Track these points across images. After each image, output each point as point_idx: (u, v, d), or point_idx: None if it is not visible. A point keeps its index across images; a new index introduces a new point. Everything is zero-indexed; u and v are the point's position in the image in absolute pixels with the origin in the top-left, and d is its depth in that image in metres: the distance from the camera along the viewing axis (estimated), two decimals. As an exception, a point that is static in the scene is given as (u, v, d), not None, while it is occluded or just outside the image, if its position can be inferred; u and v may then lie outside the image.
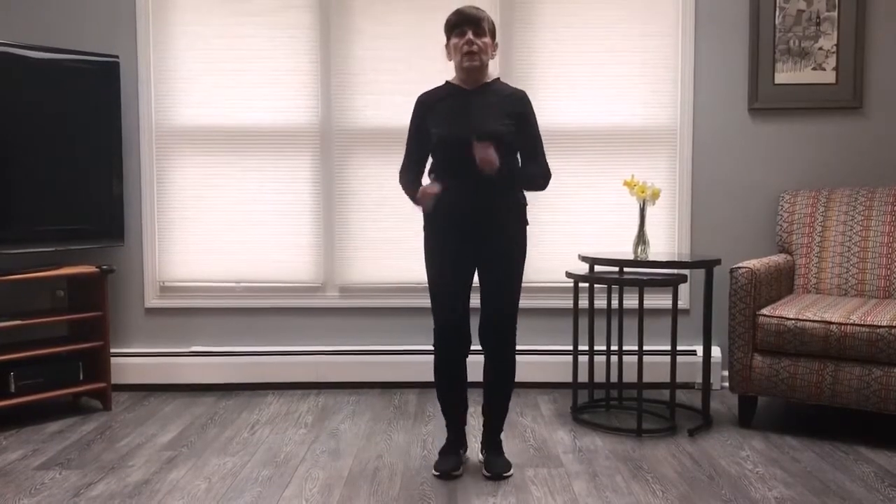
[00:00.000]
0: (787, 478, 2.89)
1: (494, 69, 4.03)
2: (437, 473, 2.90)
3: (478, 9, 2.86)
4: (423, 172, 2.99)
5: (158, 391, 4.05)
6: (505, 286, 2.86)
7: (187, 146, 4.08)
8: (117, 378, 3.96)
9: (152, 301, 4.12)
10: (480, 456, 3.03)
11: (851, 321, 3.18)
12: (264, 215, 4.11)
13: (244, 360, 4.07)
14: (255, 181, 4.09)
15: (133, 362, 4.04)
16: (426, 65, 4.03)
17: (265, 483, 2.85)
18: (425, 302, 4.00)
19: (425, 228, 2.92)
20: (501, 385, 2.96)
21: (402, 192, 2.98)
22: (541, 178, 2.93)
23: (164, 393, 4.02)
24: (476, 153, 2.69)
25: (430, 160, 2.94)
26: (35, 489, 2.80)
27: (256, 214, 4.10)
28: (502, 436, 3.01)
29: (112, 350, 3.87)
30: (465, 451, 3.06)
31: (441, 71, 3.99)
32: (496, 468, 2.90)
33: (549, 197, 4.09)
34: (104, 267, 3.73)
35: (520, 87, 4.02)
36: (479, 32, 2.81)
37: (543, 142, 2.94)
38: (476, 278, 2.91)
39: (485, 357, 2.94)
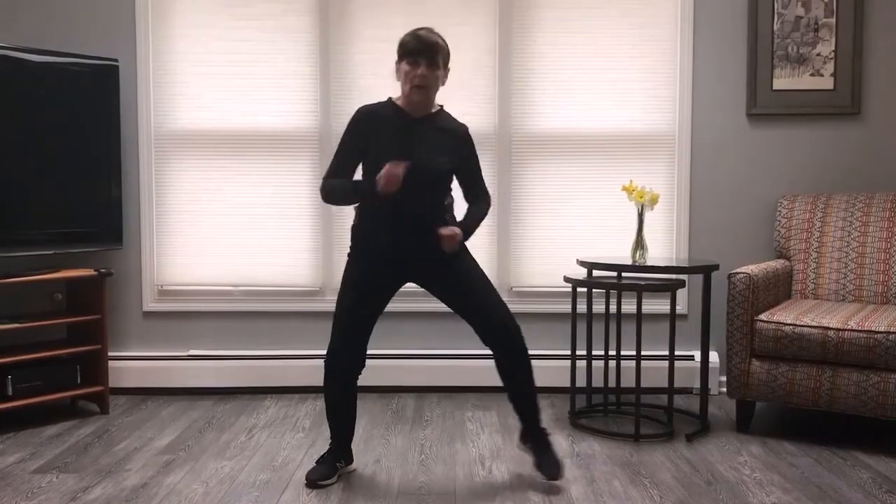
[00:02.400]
0: (785, 483, 2.89)
1: (488, 79, 4.05)
2: (305, 482, 2.85)
3: (436, 36, 2.78)
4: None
5: (156, 395, 4.04)
6: (488, 290, 2.85)
7: (186, 150, 4.09)
8: (115, 381, 3.95)
9: (150, 305, 4.11)
10: (520, 444, 2.98)
11: (849, 327, 3.18)
12: (263, 219, 4.11)
13: (242, 363, 4.06)
14: (254, 185, 4.10)
15: (131, 366, 4.04)
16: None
17: (262, 487, 2.85)
18: (424, 306, 4.03)
19: (350, 253, 2.88)
20: (527, 380, 2.90)
21: (330, 199, 2.85)
22: (486, 212, 2.99)
23: (161, 396, 4.02)
24: (443, 240, 2.73)
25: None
26: (32, 493, 2.79)
27: (255, 218, 4.10)
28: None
29: (110, 353, 3.87)
30: (349, 463, 2.99)
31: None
32: (551, 469, 2.84)
33: (548, 202, 4.10)
34: (102, 270, 3.73)
35: (518, 93, 4.06)
36: (432, 64, 2.75)
37: (479, 168, 2.98)
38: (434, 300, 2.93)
39: (501, 357, 2.88)
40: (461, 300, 2.86)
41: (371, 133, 2.81)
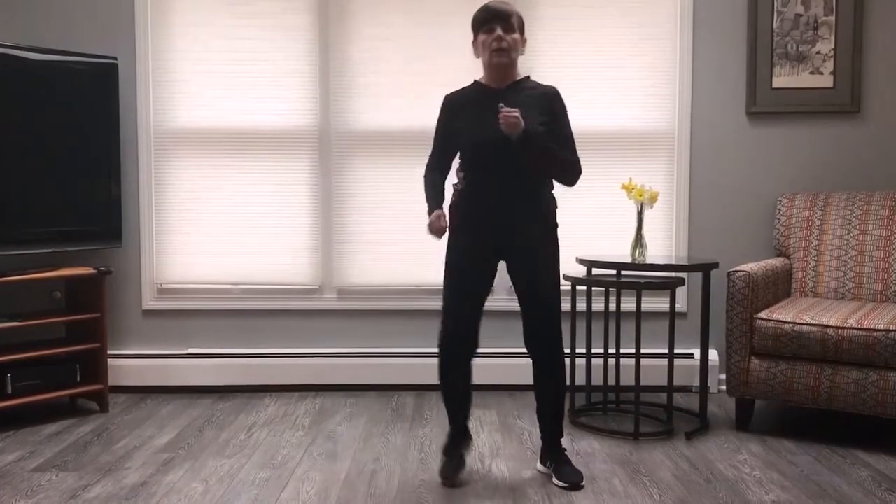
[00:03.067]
0: (784, 481, 2.89)
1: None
2: (443, 481, 2.86)
3: (505, 3, 2.78)
4: (448, 170, 2.95)
5: (156, 393, 4.04)
6: (543, 292, 2.81)
7: (185, 148, 4.08)
8: (114, 380, 3.95)
9: (150, 303, 4.11)
10: (541, 467, 2.97)
11: (848, 325, 3.19)
12: (262, 217, 4.11)
13: (242, 362, 4.06)
14: (254, 183, 4.09)
15: (130, 364, 4.04)
16: (425, 68, 4.04)
17: (262, 485, 2.85)
18: (423, 304, 4.03)
19: (450, 234, 2.87)
20: (554, 391, 2.89)
21: (424, 193, 2.91)
22: (572, 166, 2.84)
23: (161, 395, 4.02)
24: (501, 117, 2.63)
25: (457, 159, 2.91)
26: (32, 491, 2.79)
27: (254, 217, 4.10)
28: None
29: (109, 352, 3.87)
30: (469, 445, 3.01)
31: (441, 71, 4.01)
32: (569, 477, 2.82)
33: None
34: (102, 269, 3.73)
35: (518, 90, 4.05)
36: (508, 28, 2.74)
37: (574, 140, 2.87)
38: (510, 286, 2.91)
39: (534, 363, 2.88)
40: (520, 294, 2.85)
41: (455, 116, 2.83)
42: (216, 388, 4.07)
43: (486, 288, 2.87)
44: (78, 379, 3.72)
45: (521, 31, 2.81)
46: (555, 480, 2.85)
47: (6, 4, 3.98)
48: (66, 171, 3.70)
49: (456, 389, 2.94)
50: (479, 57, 2.83)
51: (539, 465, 2.99)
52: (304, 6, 4.04)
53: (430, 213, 2.84)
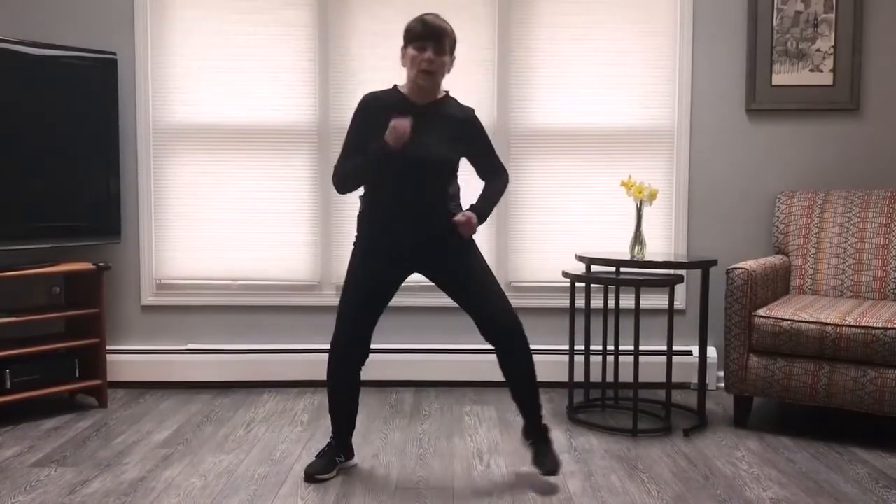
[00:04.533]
0: (782, 478, 2.90)
1: (487, 73, 4.04)
2: (304, 476, 2.85)
3: (443, 21, 2.76)
4: None
5: (154, 388, 4.04)
6: (491, 285, 2.83)
7: (185, 143, 4.08)
8: (113, 375, 3.96)
9: (149, 298, 4.11)
10: (524, 440, 2.94)
11: (847, 322, 3.19)
12: (261, 213, 4.11)
13: (240, 357, 4.06)
14: (253, 179, 4.09)
15: (129, 359, 4.04)
16: (424, 64, 4.03)
17: (261, 481, 2.85)
18: (422, 301, 4.03)
19: (356, 244, 2.87)
20: (529, 370, 2.88)
21: (344, 184, 2.82)
22: (504, 185, 2.97)
23: (159, 390, 4.02)
24: (459, 229, 2.74)
25: None
26: (30, 486, 2.79)
27: (253, 212, 4.10)
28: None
29: (108, 347, 3.87)
30: (349, 458, 2.99)
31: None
32: (548, 466, 2.81)
33: (546, 197, 4.10)
34: (101, 264, 3.73)
35: (517, 87, 4.06)
36: (439, 50, 2.72)
37: (496, 149, 2.96)
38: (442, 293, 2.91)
39: (503, 353, 2.85)
40: (464, 294, 2.84)
41: (375, 122, 2.76)
42: (215, 383, 4.07)
43: (386, 304, 2.86)
44: (77, 374, 3.72)
45: (452, 51, 2.79)
46: (532, 464, 2.86)
47: (6, 0, 3.99)
48: (65, 167, 3.70)
49: (343, 397, 2.92)
50: (404, 66, 2.79)
51: (523, 439, 2.97)
52: (304, 1, 4.03)
53: (369, 155, 2.72)
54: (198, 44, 4.04)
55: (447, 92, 2.89)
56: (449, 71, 2.81)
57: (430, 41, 2.72)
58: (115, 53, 3.86)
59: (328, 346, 4.04)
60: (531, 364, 2.88)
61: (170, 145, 4.08)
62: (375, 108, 2.80)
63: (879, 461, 3.07)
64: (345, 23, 4.05)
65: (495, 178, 2.96)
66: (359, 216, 2.89)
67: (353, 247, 2.90)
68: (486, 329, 2.84)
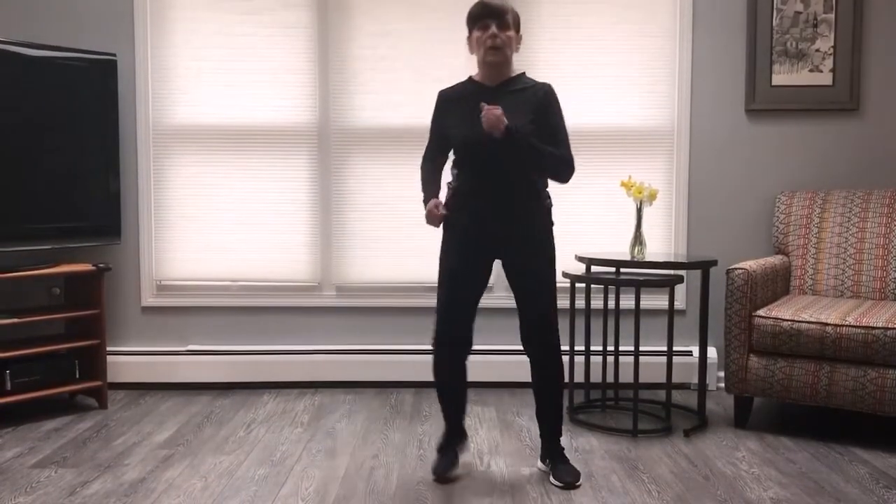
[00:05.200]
0: (783, 478, 2.90)
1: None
2: (434, 477, 2.87)
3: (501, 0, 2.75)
4: (443, 164, 2.95)
5: (154, 390, 4.04)
6: (539, 291, 2.79)
7: (185, 145, 4.08)
8: (113, 376, 3.96)
9: (149, 299, 4.11)
10: (541, 465, 2.95)
11: (847, 322, 3.19)
12: (261, 214, 4.11)
13: (240, 358, 4.06)
14: (253, 180, 4.09)
15: (129, 360, 4.04)
16: (424, 64, 4.04)
17: (261, 482, 2.85)
18: (422, 301, 4.03)
19: (444, 228, 2.86)
20: (550, 389, 2.87)
21: (420, 183, 2.91)
22: (561, 160, 2.78)
23: (160, 391, 4.02)
24: (483, 115, 2.62)
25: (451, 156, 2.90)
26: (31, 487, 2.79)
27: (254, 213, 4.10)
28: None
29: (108, 348, 3.87)
30: (464, 442, 3.01)
31: (440, 67, 4.00)
32: (565, 476, 2.80)
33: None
34: (101, 265, 3.73)
35: (517, 87, 4.05)
36: (502, 25, 2.71)
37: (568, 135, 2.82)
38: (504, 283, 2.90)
39: (531, 363, 2.86)
40: (516, 293, 2.83)
41: (448, 113, 2.81)
42: (215, 384, 4.07)
43: (480, 288, 2.85)
44: (77, 375, 3.72)
45: (517, 28, 2.78)
46: (551, 479, 2.84)
47: (6, 1, 3.98)
48: (65, 168, 3.70)
49: (450, 389, 2.94)
50: (473, 53, 2.80)
51: (539, 463, 2.99)
52: (304, 2, 4.03)
53: (425, 202, 2.85)
54: (198, 45, 4.04)
55: (523, 72, 2.86)
56: (517, 49, 2.80)
57: (491, 18, 2.71)
58: (114, 54, 3.86)
59: (330, 347, 4.09)
60: (554, 380, 2.86)
61: (170, 146, 4.08)
62: (448, 101, 2.83)
63: (880, 461, 3.07)
64: (344, 24, 4.05)
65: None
66: (445, 204, 2.83)
67: (441, 238, 2.87)
68: (524, 340, 2.85)
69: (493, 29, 2.70)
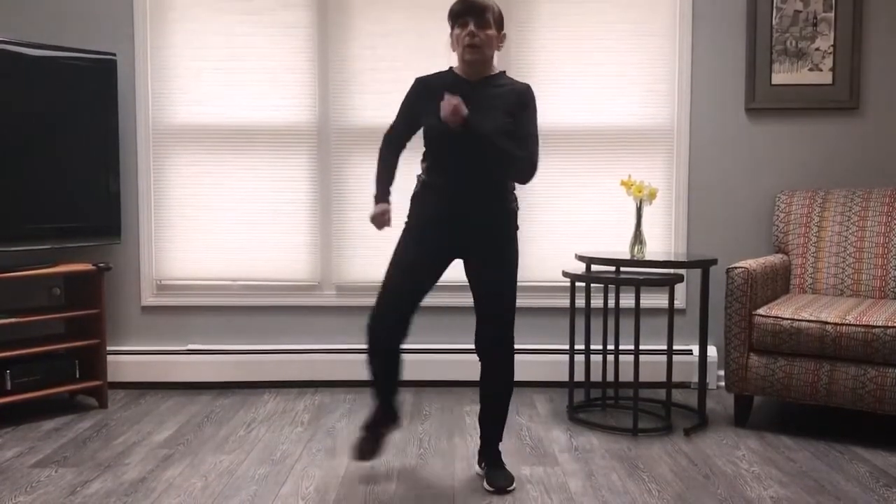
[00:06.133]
0: (783, 477, 2.90)
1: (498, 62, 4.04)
2: (357, 456, 2.86)
3: None
4: (403, 149, 2.88)
5: (155, 389, 4.04)
6: (496, 295, 2.77)
7: (184, 144, 4.08)
8: (113, 376, 3.96)
9: (149, 299, 4.11)
10: (478, 469, 2.92)
11: (847, 321, 3.19)
12: (261, 214, 4.11)
13: (241, 358, 4.06)
14: (253, 179, 4.09)
15: (129, 360, 4.04)
16: (424, 63, 4.02)
17: (261, 481, 2.85)
18: (422, 301, 4.02)
19: (406, 221, 2.83)
20: (500, 394, 2.84)
21: (376, 171, 2.87)
22: (522, 160, 2.69)
23: (160, 391, 4.02)
24: (442, 106, 2.58)
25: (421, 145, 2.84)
26: (31, 487, 2.79)
27: (254, 213, 4.10)
28: (501, 446, 2.89)
29: (108, 348, 3.87)
30: (394, 425, 2.94)
31: (439, 67, 3.99)
32: (498, 482, 2.77)
33: (547, 196, 4.10)
34: (101, 265, 3.73)
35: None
36: (482, 24, 2.69)
37: (539, 139, 2.76)
38: (451, 281, 2.86)
39: (482, 366, 2.83)
40: (474, 294, 2.80)
41: (425, 101, 2.75)
42: (215, 384, 4.08)
43: (430, 285, 2.80)
44: (77, 375, 3.72)
45: (499, 27, 2.76)
46: (485, 484, 2.80)
47: (6, 1, 3.98)
48: (65, 168, 3.70)
49: (382, 369, 2.86)
50: (454, 51, 2.78)
51: (476, 467, 2.94)
52: (304, 2, 4.03)
53: (376, 198, 2.82)
54: (197, 44, 4.04)
55: (503, 71, 2.84)
56: (499, 47, 2.78)
57: (470, 16, 2.69)
58: (114, 54, 3.86)
59: (330, 346, 4.09)
60: (503, 390, 2.83)
61: (170, 146, 4.08)
62: (426, 88, 2.79)
63: (880, 460, 3.07)
64: (344, 23, 4.05)
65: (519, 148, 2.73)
66: (412, 196, 2.83)
67: (403, 226, 2.83)
68: (478, 341, 2.81)
69: (472, 27, 2.68)
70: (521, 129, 2.71)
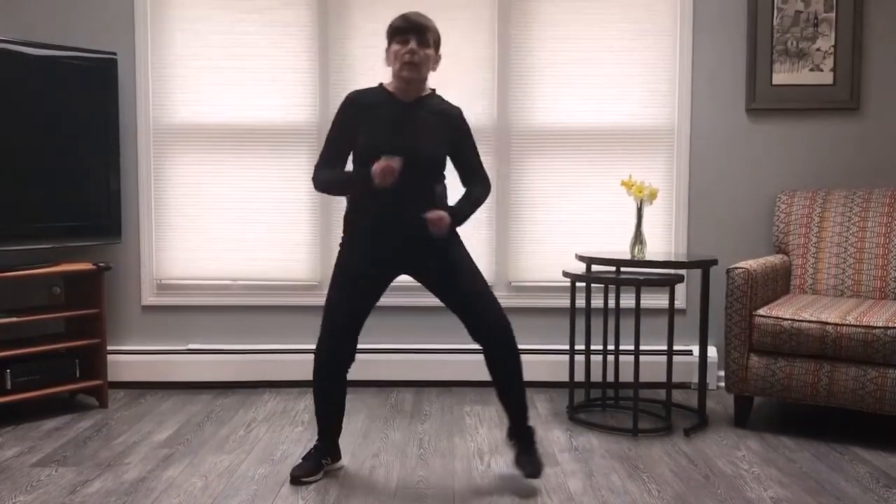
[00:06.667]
0: (783, 478, 2.90)
1: (487, 73, 4.04)
2: (290, 478, 2.83)
3: (424, 17, 2.75)
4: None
5: (155, 389, 4.05)
6: (479, 285, 2.80)
7: (185, 144, 4.08)
8: (114, 375, 3.96)
9: (149, 299, 4.11)
10: (508, 441, 2.91)
11: (847, 322, 3.19)
12: (262, 213, 4.11)
13: (241, 357, 4.07)
14: (253, 179, 4.09)
15: (129, 360, 4.04)
16: (424, 64, 4.03)
17: (261, 481, 2.85)
18: (423, 301, 4.03)
19: (342, 244, 2.84)
20: (513, 371, 2.83)
21: (324, 189, 2.82)
22: (484, 196, 2.91)
23: (160, 390, 4.02)
24: (430, 222, 2.67)
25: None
26: (31, 486, 2.79)
27: (254, 212, 4.10)
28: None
29: (109, 347, 3.87)
30: (336, 460, 2.97)
31: (441, 67, 3.99)
32: (525, 467, 2.77)
33: (547, 196, 4.10)
34: (101, 264, 3.73)
35: (517, 87, 4.06)
36: (422, 42, 2.71)
37: (484, 154, 2.90)
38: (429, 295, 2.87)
39: (491, 353, 2.81)
40: (452, 294, 2.81)
41: (360, 119, 2.76)
42: (215, 383, 4.08)
43: (373, 303, 2.83)
44: (77, 374, 3.72)
45: (437, 48, 2.78)
46: (513, 464, 2.83)
47: (6, 1, 3.98)
48: (65, 167, 3.70)
49: (329, 402, 2.87)
50: (389, 66, 2.78)
51: (507, 439, 2.94)
52: (304, 1, 4.03)
53: (354, 179, 2.76)
54: (198, 44, 4.04)
55: (433, 90, 2.87)
56: (434, 68, 2.79)
57: (412, 34, 2.71)
58: (115, 54, 3.86)
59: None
60: (519, 364, 2.84)
61: (170, 145, 4.08)
62: (360, 105, 2.78)
63: (880, 460, 3.07)
64: (344, 23, 4.05)
65: (476, 185, 2.91)
66: (345, 216, 2.86)
67: (339, 248, 2.87)
68: (474, 328, 2.80)
69: (413, 44, 2.70)
70: (469, 159, 2.89)
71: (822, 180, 4.06)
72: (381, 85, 2.84)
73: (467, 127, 2.88)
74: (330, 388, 2.86)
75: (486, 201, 2.93)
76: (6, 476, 2.89)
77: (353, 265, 2.81)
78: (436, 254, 2.81)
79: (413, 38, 2.71)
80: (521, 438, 2.88)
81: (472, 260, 2.87)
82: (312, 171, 2.85)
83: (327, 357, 2.82)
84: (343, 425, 2.95)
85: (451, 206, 2.85)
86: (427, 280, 2.86)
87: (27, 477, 2.88)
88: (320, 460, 2.90)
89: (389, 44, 2.76)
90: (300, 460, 2.93)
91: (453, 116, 2.84)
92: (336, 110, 2.66)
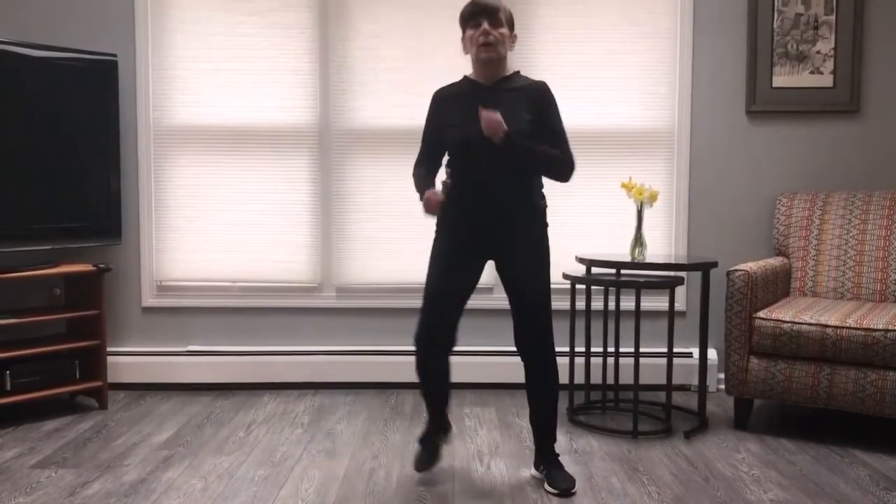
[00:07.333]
0: (783, 480, 2.90)
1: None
2: (416, 468, 2.92)
3: None
4: (438, 167, 2.91)
5: (155, 390, 4.04)
6: (533, 294, 2.76)
7: (185, 145, 4.08)
8: (114, 377, 3.96)
9: (149, 300, 4.11)
10: (535, 472, 2.92)
11: (847, 324, 3.19)
12: (262, 215, 4.11)
13: (241, 359, 4.06)
14: (253, 181, 4.09)
15: (129, 361, 4.04)
16: (425, 64, 4.04)
17: (261, 483, 2.85)
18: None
19: (437, 227, 2.86)
20: (544, 394, 2.84)
21: (413, 186, 2.88)
22: (562, 162, 2.77)
23: (160, 392, 4.02)
24: (482, 120, 2.60)
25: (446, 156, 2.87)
26: (31, 487, 2.79)
27: (254, 214, 4.10)
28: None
29: (109, 349, 3.87)
30: (447, 437, 3.01)
31: (440, 69, 4.00)
32: (561, 483, 2.77)
33: (547, 198, 4.09)
34: (101, 265, 3.73)
35: (518, 88, 4.05)
36: (495, 23, 2.71)
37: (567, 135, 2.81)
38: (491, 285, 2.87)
39: (525, 367, 2.83)
40: (509, 295, 2.80)
41: (442, 111, 2.81)
42: (215, 385, 4.07)
43: (469, 289, 2.82)
44: (77, 375, 3.72)
45: (511, 27, 2.78)
46: (546, 486, 2.81)
47: (5, 1, 3.98)
48: (65, 169, 3.70)
49: (432, 385, 2.90)
50: (467, 53, 2.79)
51: (533, 470, 2.96)
52: (304, 3, 4.04)
53: (421, 194, 2.79)
54: (198, 45, 4.05)
55: (517, 71, 2.85)
56: (512, 47, 2.80)
57: (483, 16, 2.71)
58: (115, 55, 3.86)
59: (330, 348, 4.09)
60: (549, 392, 2.83)
61: (170, 147, 4.08)
62: (442, 98, 2.84)
63: (880, 463, 3.07)
64: (345, 24, 4.05)
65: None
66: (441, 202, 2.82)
67: (434, 234, 2.86)
68: (518, 342, 2.81)
69: (486, 26, 2.70)
70: (552, 130, 2.77)
71: (823, 182, 4.06)
72: (464, 77, 2.85)
73: (552, 98, 2.79)
74: (431, 375, 2.86)
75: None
76: (6, 477, 2.89)
77: (445, 253, 2.81)
78: (512, 249, 2.77)
79: (485, 19, 2.71)
80: (547, 462, 2.86)
81: (545, 269, 2.80)
82: (413, 167, 2.92)
83: (425, 346, 2.80)
84: (437, 408, 2.96)
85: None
86: (500, 273, 2.83)
87: (27, 478, 2.88)
88: (437, 444, 2.95)
89: (464, 31, 2.77)
90: (417, 446, 2.98)
91: (536, 89, 2.78)
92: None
